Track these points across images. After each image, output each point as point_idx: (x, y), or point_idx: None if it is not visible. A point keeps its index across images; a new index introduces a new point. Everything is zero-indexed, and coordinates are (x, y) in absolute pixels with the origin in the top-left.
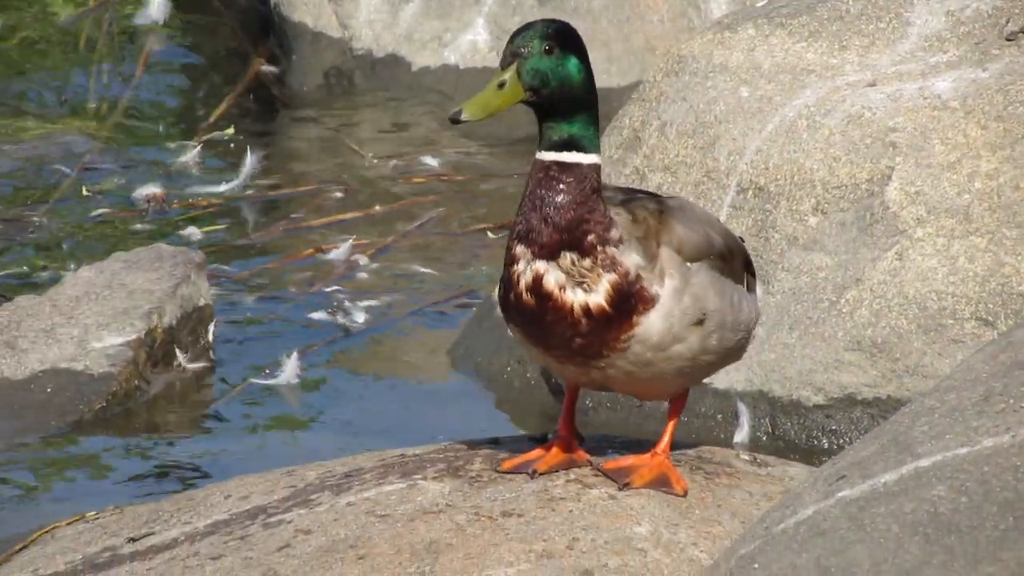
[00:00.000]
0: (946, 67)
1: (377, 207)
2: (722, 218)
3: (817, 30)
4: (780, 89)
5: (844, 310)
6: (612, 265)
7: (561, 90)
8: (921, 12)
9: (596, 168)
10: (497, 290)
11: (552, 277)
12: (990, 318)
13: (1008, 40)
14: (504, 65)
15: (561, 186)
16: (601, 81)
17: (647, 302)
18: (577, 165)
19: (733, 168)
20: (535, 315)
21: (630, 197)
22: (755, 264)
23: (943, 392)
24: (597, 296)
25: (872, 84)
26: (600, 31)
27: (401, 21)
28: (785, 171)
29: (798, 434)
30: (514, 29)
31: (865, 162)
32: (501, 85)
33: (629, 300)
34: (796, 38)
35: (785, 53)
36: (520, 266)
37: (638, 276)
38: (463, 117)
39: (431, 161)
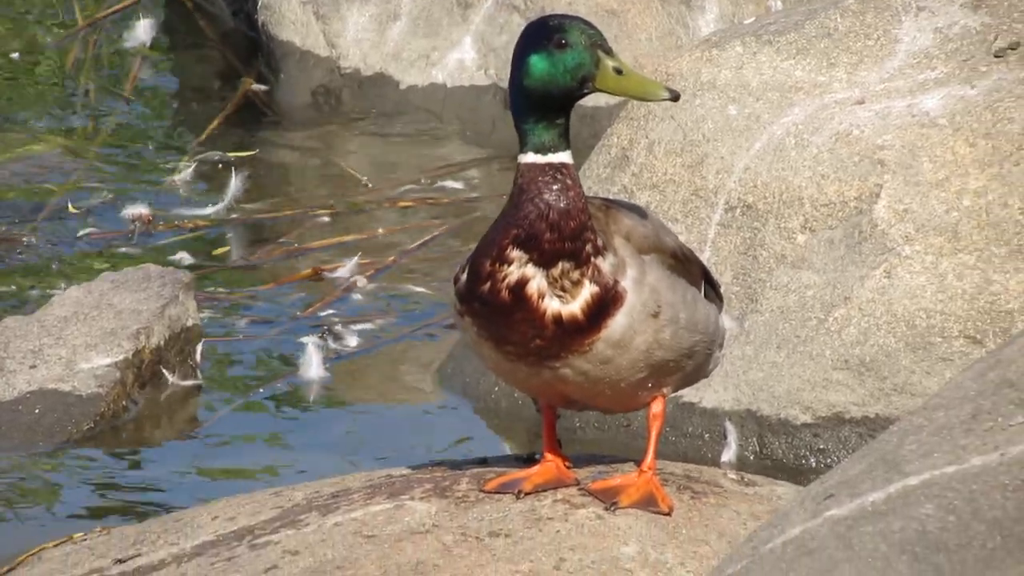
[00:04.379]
0: (934, 84)
1: (380, 230)
2: (710, 236)
3: (805, 47)
4: (768, 107)
5: (832, 328)
6: (597, 276)
7: None
8: (909, 29)
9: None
10: (455, 280)
11: (535, 284)
12: (978, 336)
13: (996, 57)
14: (610, 51)
15: (569, 192)
16: (588, 99)
17: (618, 302)
18: (573, 167)
19: (721, 186)
20: (504, 311)
21: None
22: (744, 283)
23: (931, 410)
24: (573, 306)
25: (860, 102)
26: None
27: (388, 40)
28: (773, 189)
29: (786, 453)
30: (509, 42)
31: (853, 180)
32: (619, 71)
33: (604, 308)
34: (784, 56)
35: (773, 71)
36: (511, 267)
37: (615, 281)
38: (677, 90)
39: (456, 183)
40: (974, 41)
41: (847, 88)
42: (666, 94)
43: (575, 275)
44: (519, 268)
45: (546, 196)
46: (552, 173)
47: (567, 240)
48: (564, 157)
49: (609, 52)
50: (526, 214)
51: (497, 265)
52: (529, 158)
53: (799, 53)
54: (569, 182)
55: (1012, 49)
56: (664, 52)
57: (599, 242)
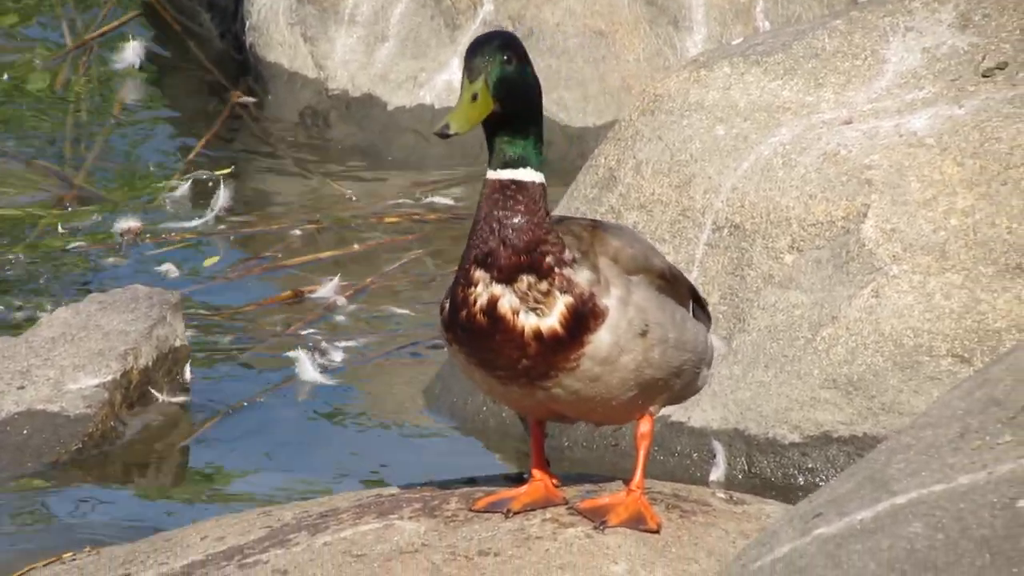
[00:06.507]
0: (922, 104)
1: (356, 245)
2: (698, 256)
3: (793, 68)
4: (756, 127)
5: (820, 348)
6: (568, 286)
7: (522, 100)
8: (897, 49)
9: (544, 188)
10: (441, 310)
11: (507, 301)
12: (966, 355)
13: (984, 77)
14: (473, 78)
15: (519, 207)
16: (576, 120)
17: (598, 317)
18: (531, 183)
19: (709, 206)
20: (484, 335)
21: (562, 218)
22: (732, 303)
23: (919, 429)
24: (550, 320)
25: (848, 121)
26: (575, 70)
27: (376, 61)
28: (761, 209)
29: (774, 472)
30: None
31: (841, 199)
32: (474, 97)
33: (584, 320)
34: (772, 76)
35: (761, 91)
36: (479, 288)
37: (592, 294)
38: (451, 131)
39: (443, 200)
40: (962, 61)
41: (835, 108)
42: (436, 128)
43: (543, 287)
44: (485, 288)
45: (495, 212)
46: (502, 190)
47: (521, 254)
48: (522, 174)
49: (474, 75)
50: (479, 232)
51: (468, 289)
52: (489, 174)
53: (787, 73)
54: (520, 197)
55: (1000, 69)
56: (652, 73)
57: (566, 255)
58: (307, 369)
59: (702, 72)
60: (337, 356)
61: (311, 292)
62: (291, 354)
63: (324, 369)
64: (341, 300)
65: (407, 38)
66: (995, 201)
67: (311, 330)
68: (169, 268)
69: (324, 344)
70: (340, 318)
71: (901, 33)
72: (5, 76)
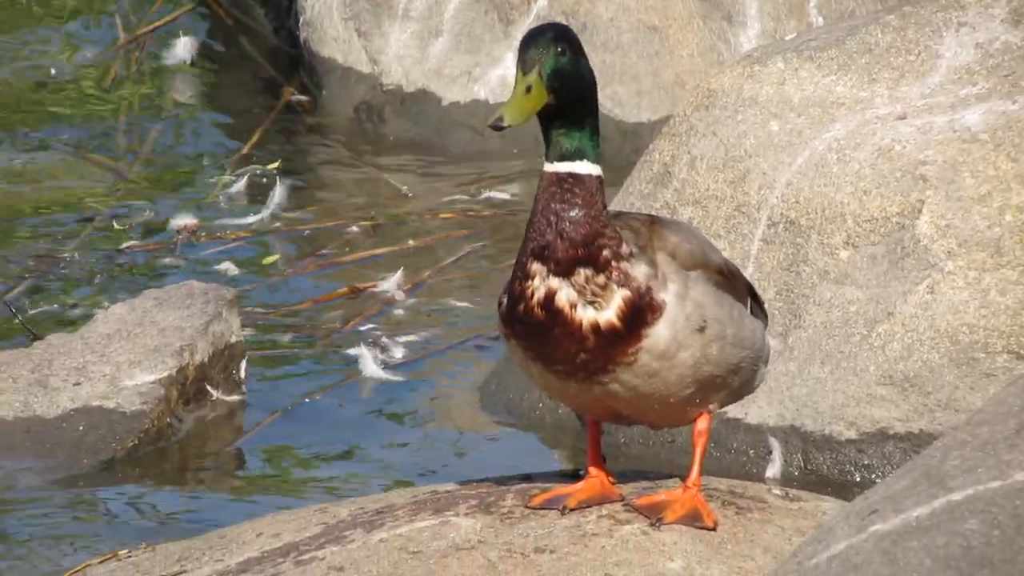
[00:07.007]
0: (976, 100)
1: (411, 241)
2: (753, 252)
3: (846, 63)
4: (810, 123)
5: (876, 344)
6: (625, 280)
7: (577, 91)
8: (950, 45)
9: (601, 181)
10: (499, 304)
11: (564, 294)
12: (1022, 351)
13: None
14: (527, 70)
15: (576, 200)
16: (631, 116)
17: (656, 311)
18: (588, 176)
19: (764, 202)
20: (542, 328)
21: (619, 213)
22: (787, 299)
23: (975, 426)
24: (608, 313)
25: (902, 117)
26: (629, 65)
27: (431, 56)
28: (816, 205)
29: (830, 468)
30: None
31: (895, 195)
32: (528, 89)
33: (641, 314)
34: (825, 71)
35: (815, 87)
36: (535, 282)
37: (649, 288)
38: (505, 123)
39: (499, 195)
40: (1015, 56)
41: (888, 103)
42: (490, 120)
43: (600, 280)
44: (543, 281)
45: (553, 205)
46: (559, 183)
47: (578, 247)
48: (579, 166)
49: (527, 67)
50: (536, 225)
51: (525, 282)
52: (546, 167)
53: (840, 69)
54: (577, 190)
55: None
56: (706, 68)
57: (623, 249)
58: (369, 365)
59: (756, 67)
60: (398, 352)
61: (372, 288)
62: (353, 351)
63: (385, 365)
64: (400, 295)
65: (461, 33)
66: None
67: (370, 325)
68: (228, 267)
69: (384, 339)
70: (399, 311)
71: (954, 28)
72: (52, 71)
